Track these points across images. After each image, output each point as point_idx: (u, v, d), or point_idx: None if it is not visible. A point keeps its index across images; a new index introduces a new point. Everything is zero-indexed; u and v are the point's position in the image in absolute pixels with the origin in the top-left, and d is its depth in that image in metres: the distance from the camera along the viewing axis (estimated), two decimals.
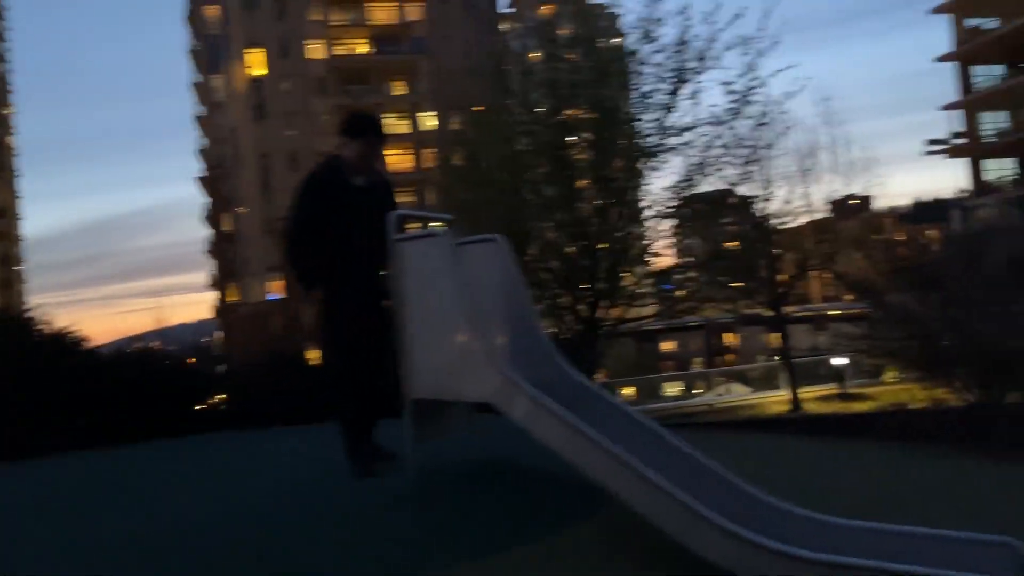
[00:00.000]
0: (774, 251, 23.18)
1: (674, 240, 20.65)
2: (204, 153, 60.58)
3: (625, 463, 3.37)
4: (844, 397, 21.23)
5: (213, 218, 57.96)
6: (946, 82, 39.31)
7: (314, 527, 3.74)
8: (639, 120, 15.04)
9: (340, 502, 4.10)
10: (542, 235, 14.54)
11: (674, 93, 14.99)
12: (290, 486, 4.70)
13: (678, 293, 19.12)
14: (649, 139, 14.87)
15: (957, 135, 39.67)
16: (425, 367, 4.05)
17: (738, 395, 24.76)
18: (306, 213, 4.37)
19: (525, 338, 4.23)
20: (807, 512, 3.49)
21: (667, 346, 60.61)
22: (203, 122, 61.04)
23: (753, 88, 15.47)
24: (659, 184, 15.82)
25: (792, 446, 8.03)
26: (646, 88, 15.09)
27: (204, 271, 61.38)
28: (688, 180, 15.35)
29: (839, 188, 23.82)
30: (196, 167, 62.73)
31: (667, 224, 16.86)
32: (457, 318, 3.90)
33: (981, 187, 38.65)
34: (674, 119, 15.37)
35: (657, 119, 15.03)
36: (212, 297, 58.95)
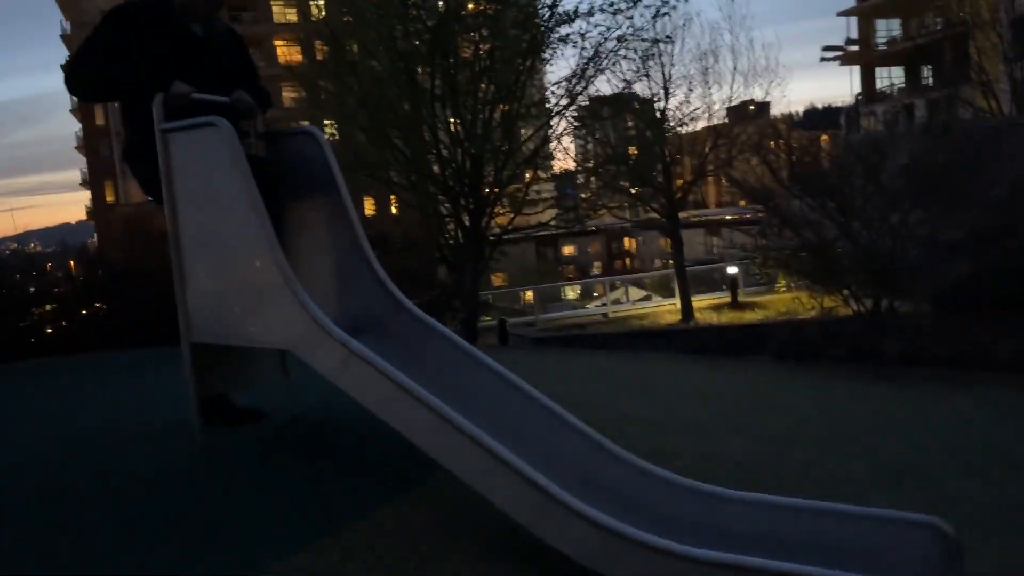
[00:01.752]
0: (671, 155, 22.67)
1: (570, 142, 19.82)
2: (68, 38, 55.21)
3: (462, 432, 2.56)
4: (736, 306, 21.32)
5: (84, 111, 53.38)
6: None
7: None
8: (528, 4, 13.69)
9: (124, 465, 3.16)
10: (419, 135, 13.25)
11: None
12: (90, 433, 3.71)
13: (582, 196, 18.37)
14: (540, 26, 13.56)
15: (851, 42, 39.82)
16: (206, 302, 3.09)
17: (632, 302, 24.65)
18: (97, 67, 3.13)
19: (345, 263, 3.29)
20: (696, 484, 2.79)
21: (568, 250, 60.80)
22: (65, 3, 55.38)
23: None
24: (551, 79, 14.69)
25: (679, 368, 7.51)
26: None
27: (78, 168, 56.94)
28: (582, 75, 14.24)
29: (739, 91, 23.31)
30: (63, 54, 57.17)
31: (561, 125, 15.83)
32: (248, 237, 2.93)
33: (872, 95, 39.18)
34: (567, 4, 14.22)
35: (548, 3, 13.73)
36: (87, 197, 54.93)
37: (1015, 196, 9.25)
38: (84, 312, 10.28)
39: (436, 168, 13.67)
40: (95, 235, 50.87)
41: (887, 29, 39.86)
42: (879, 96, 38.90)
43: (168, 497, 2.88)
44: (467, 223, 13.43)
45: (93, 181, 52.54)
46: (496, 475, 2.54)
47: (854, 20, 39.81)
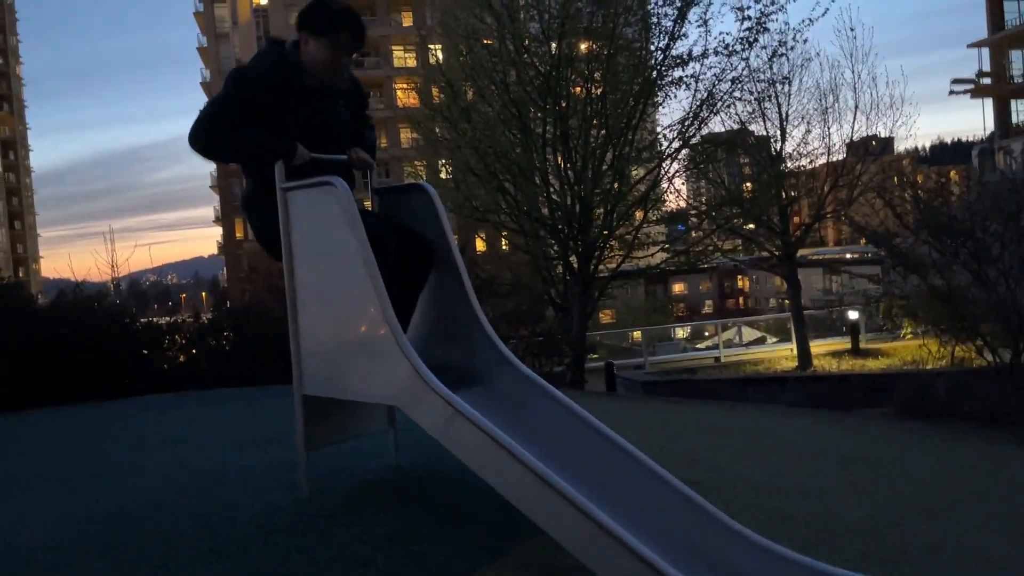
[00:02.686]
0: (787, 196, 22.00)
1: (682, 184, 19.52)
2: (208, 86, 59.16)
3: (565, 498, 2.51)
4: (857, 353, 20.31)
5: None
6: (976, 18, 37.31)
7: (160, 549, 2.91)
8: (641, 48, 13.65)
9: (214, 518, 3.26)
10: (530, 179, 13.35)
11: (681, 18, 13.58)
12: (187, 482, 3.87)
13: (693, 234, 18.01)
14: (652, 69, 13.49)
15: (983, 74, 37.83)
16: (318, 354, 3.17)
17: (746, 344, 23.89)
18: (228, 129, 3.08)
19: (452, 315, 3.32)
20: (812, 562, 2.62)
21: (678, 288, 59.83)
22: (206, 53, 59.44)
23: (769, 14, 13.99)
24: (665, 121, 14.57)
25: (795, 422, 7.18)
26: (650, 10, 13.66)
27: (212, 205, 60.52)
28: (695, 117, 14.03)
29: (861, 128, 22.43)
30: (202, 99, 61.23)
31: (673, 167, 15.64)
32: (359, 292, 2.99)
33: (1007, 129, 36.99)
34: (681, 47, 14.07)
35: (662, 47, 13.67)
36: (218, 233, 58.26)
37: None
38: (212, 343, 10.72)
39: (545, 211, 13.74)
40: (224, 269, 53.80)
41: (1023, 61, 37.69)
42: (1015, 130, 36.68)
43: (270, 547, 2.94)
44: (575, 265, 13.40)
45: (224, 217, 55.70)
46: (599, 544, 2.47)
47: (986, 51, 37.86)
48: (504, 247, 20.25)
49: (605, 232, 13.57)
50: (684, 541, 2.79)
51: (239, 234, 54.07)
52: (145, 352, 9.05)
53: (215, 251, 59.83)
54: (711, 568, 2.63)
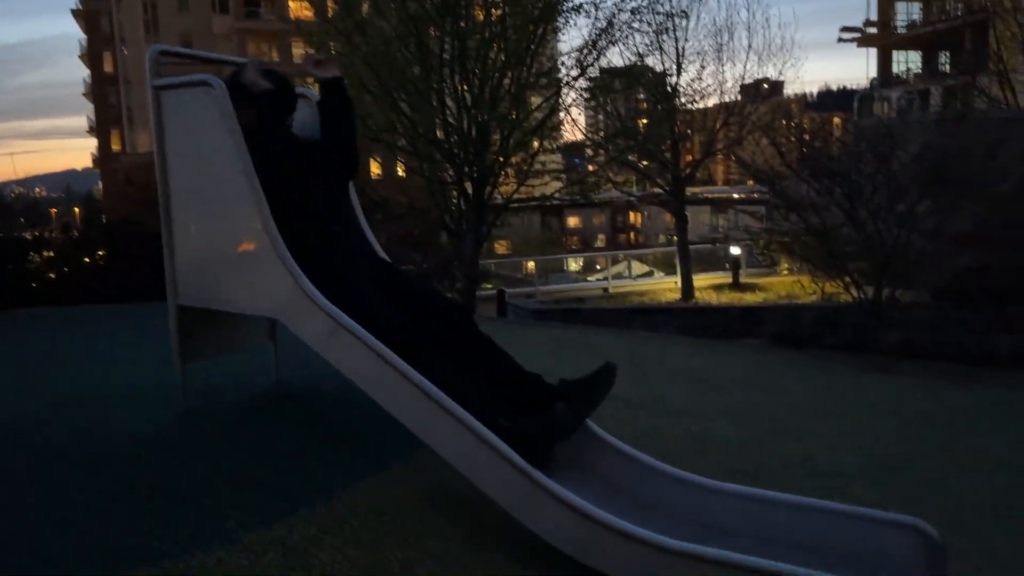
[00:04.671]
0: (680, 132, 22.44)
1: (579, 113, 19.58)
2: None
3: (446, 410, 2.53)
4: (737, 287, 21.25)
5: (93, 57, 52.91)
6: None
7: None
8: None
9: (96, 434, 3.13)
10: (426, 99, 13.05)
11: None
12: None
13: (590, 168, 18.14)
14: None
15: (869, 23, 39.25)
16: (194, 265, 3.04)
17: (634, 277, 24.57)
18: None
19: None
20: (680, 473, 2.75)
21: (572, 222, 60.58)
22: None
23: None
24: (562, 48, 14.46)
25: (675, 349, 7.47)
26: None
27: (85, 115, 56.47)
28: (593, 46, 14.00)
29: (753, 69, 23.02)
30: None
31: (571, 96, 15.61)
32: (238, 201, 2.86)
33: (888, 79, 38.72)
34: None
35: None
36: (93, 144, 54.64)
37: (1023, 191, 9.16)
38: (86, 260, 10.19)
39: (441, 134, 13.51)
40: (100, 183, 50.80)
41: (907, 13, 39.27)
42: (895, 80, 38.45)
43: (147, 462, 2.86)
44: (470, 191, 13.31)
45: (100, 128, 52.28)
46: (480, 456, 2.51)
47: (874, 1, 39.24)
48: (400, 172, 19.91)
49: (501, 159, 13.51)
50: (562, 453, 2.88)
51: (116, 146, 50.97)
52: (10, 267, 8.49)
53: (89, 164, 56.25)
54: (584, 475, 2.72)
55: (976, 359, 8.46)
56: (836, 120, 30.84)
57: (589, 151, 19.92)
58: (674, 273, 23.12)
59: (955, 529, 3.28)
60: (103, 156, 51.55)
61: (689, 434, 4.13)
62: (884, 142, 9.50)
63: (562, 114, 16.03)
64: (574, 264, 32.69)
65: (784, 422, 4.67)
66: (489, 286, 22.09)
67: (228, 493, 2.65)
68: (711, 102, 23.62)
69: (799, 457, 3.96)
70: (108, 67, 52.02)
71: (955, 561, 2.83)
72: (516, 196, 14.65)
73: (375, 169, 24.75)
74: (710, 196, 38.59)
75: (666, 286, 22.95)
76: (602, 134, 21.78)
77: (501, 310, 14.87)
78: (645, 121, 22.80)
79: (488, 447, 2.47)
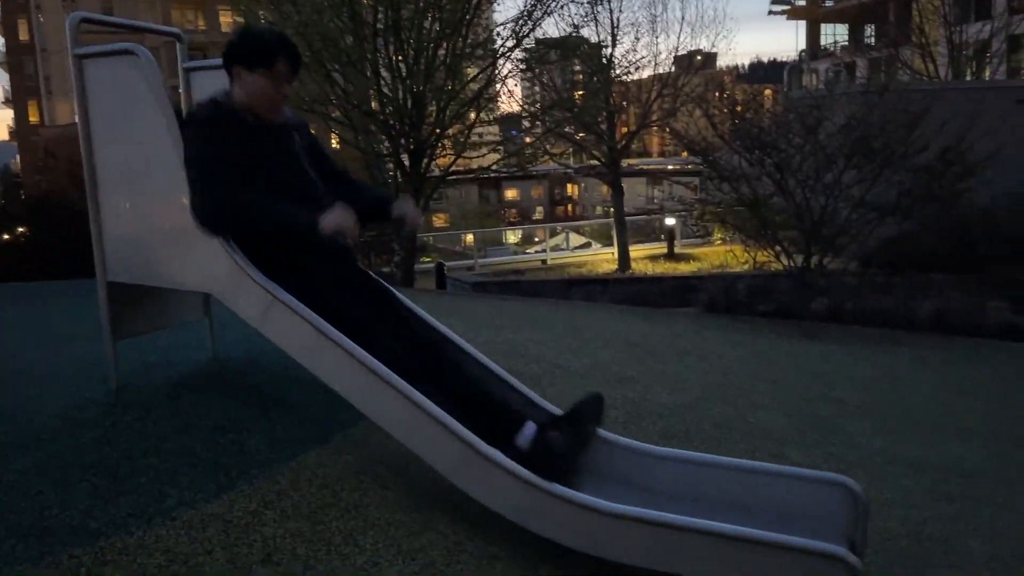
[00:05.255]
0: (615, 103, 22.57)
1: (515, 85, 19.51)
2: None
3: (388, 383, 2.53)
4: (672, 257, 21.61)
5: (7, 26, 50.39)
6: None
7: None
8: None
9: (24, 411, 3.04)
10: (360, 70, 12.84)
11: None
12: None
13: (527, 140, 18.13)
14: None
15: None
16: (123, 240, 2.96)
17: (572, 249, 24.77)
18: (224, 177, 2.60)
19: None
20: (618, 438, 2.82)
21: (510, 194, 60.54)
22: None
23: None
24: (498, 19, 14.36)
25: (613, 318, 7.58)
26: None
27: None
28: (528, 16, 13.94)
29: (686, 40, 23.27)
30: None
31: (507, 67, 15.54)
32: (170, 176, 2.79)
33: (816, 51, 39.56)
34: None
35: None
36: (9, 116, 52.21)
37: (942, 161, 9.50)
38: (6, 237, 9.80)
39: (376, 106, 13.31)
40: (17, 156, 48.65)
41: None
42: (823, 53, 39.29)
43: (80, 440, 2.80)
44: (407, 163, 13.18)
45: (16, 100, 49.97)
46: (420, 427, 2.52)
47: None
48: (335, 144, 19.58)
49: (437, 130, 13.40)
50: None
51: (33, 118, 48.82)
52: None
53: (5, 136, 53.75)
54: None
55: (898, 323, 8.80)
56: (767, 92, 31.39)
57: (526, 123, 19.91)
58: (611, 244, 23.38)
59: (880, 484, 3.44)
60: (20, 128, 49.34)
61: (627, 401, 4.22)
62: (811, 114, 9.71)
63: (498, 85, 15.97)
64: (513, 237, 32.79)
65: (718, 387, 4.80)
66: (428, 259, 22.00)
67: (165, 469, 2.62)
68: (646, 74, 23.82)
69: (733, 420, 4.09)
70: (23, 36, 49.66)
71: (880, 514, 2.98)
72: (454, 168, 14.56)
73: None
74: (646, 168, 39.02)
75: (603, 257, 23.20)
76: (538, 106, 21.78)
77: (440, 283, 14.82)
78: (581, 93, 22.84)
79: (429, 418, 2.49)
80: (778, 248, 10.22)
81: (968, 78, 25.76)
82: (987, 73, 27.23)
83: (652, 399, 4.30)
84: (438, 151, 13.95)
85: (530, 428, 2.56)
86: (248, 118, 2.71)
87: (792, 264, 9.95)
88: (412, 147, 13.05)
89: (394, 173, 13.67)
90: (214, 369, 3.61)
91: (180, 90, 3.34)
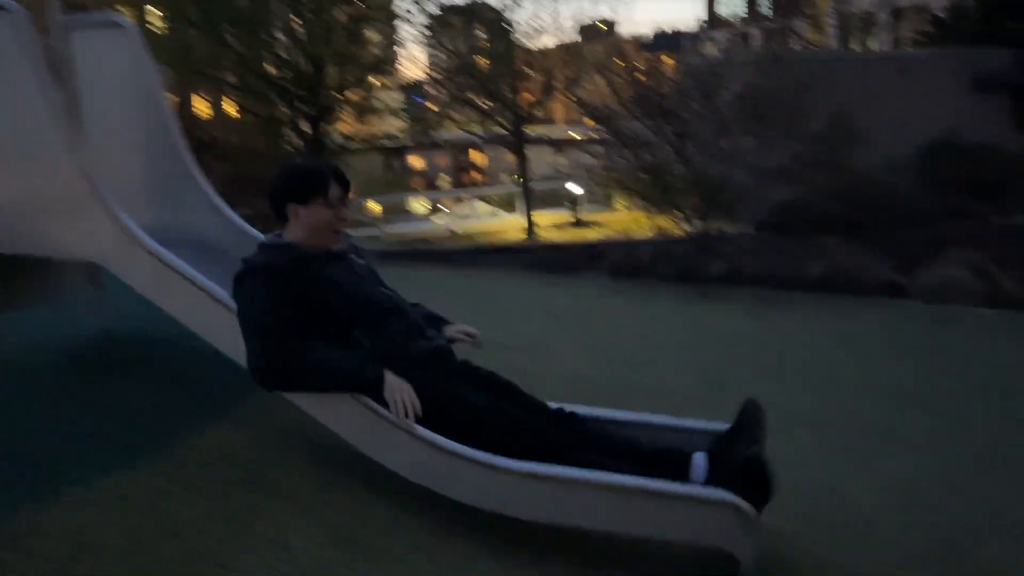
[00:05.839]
0: (520, 71, 22.54)
1: (418, 51, 19.24)
2: None
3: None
4: (578, 224, 21.91)
5: None
6: None
7: None
8: None
9: None
10: (256, 33, 12.38)
11: None
12: None
13: (432, 107, 17.90)
14: None
15: None
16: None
17: (479, 217, 24.80)
18: (284, 333, 2.46)
19: (161, 170, 3.06)
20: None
21: (415, 162, 59.85)
22: None
23: None
24: None
25: (519, 285, 7.65)
26: None
27: None
28: None
29: (587, 8, 23.40)
30: None
31: (411, 32, 15.29)
32: (48, 141, 2.64)
33: (716, 21, 40.47)
34: None
35: None
36: None
37: (832, 128, 9.93)
38: None
39: (274, 70, 12.89)
40: None
41: None
42: (722, 23, 40.22)
43: None
44: (307, 129, 12.85)
45: None
46: (324, 393, 2.49)
47: None
48: (232, 111, 18.89)
49: (338, 96, 13.08)
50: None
51: None
52: None
53: None
54: None
55: (791, 284, 9.21)
56: (668, 61, 31.93)
57: (431, 90, 19.69)
58: (518, 212, 23.50)
59: (778, 438, 3.60)
60: None
61: (535, 365, 4.26)
62: (709, 81, 9.99)
63: (401, 51, 15.72)
64: (419, 206, 32.51)
65: (621, 349, 4.92)
66: None
67: (62, 448, 2.50)
68: (549, 42, 23.84)
69: (635, 381, 4.20)
70: None
71: (779, 467, 3.12)
72: (355, 135, 14.28)
73: (205, 109, 23.35)
74: (551, 136, 39.22)
75: (511, 225, 23.32)
76: (443, 72, 21.55)
77: None
78: (487, 62, 22.72)
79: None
80: (678, 213, 10.50)
81: (856, 48, 26.87)
82: (873, 44, 28.47)
83: (559, 363, 4.37)
84: (340, 117, 13.64)
85: (699, 459, 2.40)
86: (311, 252, 2.57)
87: (692, 229, 10.25)
88: (312, 113, 12.71)
89: (294, 138, 13.29)
90: (106, 344, 3.47)
91: (56, 48, 3.15)
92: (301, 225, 2.58)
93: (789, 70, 10.42)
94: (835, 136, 10.06)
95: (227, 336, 2.55)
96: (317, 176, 2.62)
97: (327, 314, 2.51)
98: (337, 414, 2.50)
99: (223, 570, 2.06)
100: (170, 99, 19.90)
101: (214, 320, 2.54)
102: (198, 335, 2.62)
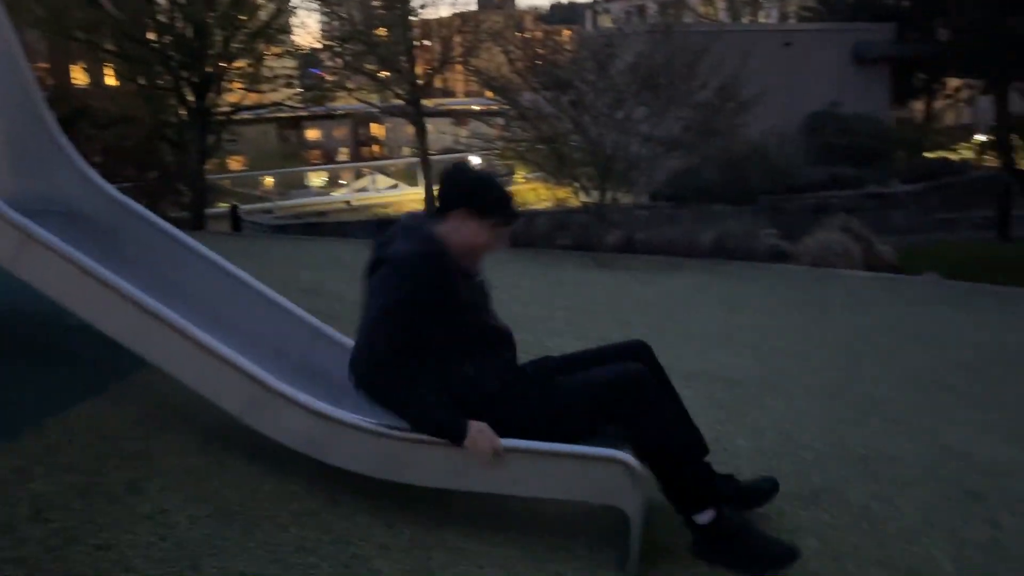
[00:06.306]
0: (416, 39, 22.20)
1: (308, 17, 18.70)
2: None
3: (164, 321, 2.38)
4: None
5: None
6: None
7: None
8: None
9: None
10: None
11: None
12: None
13: (327, 77, 17.38)
14: None
15: None
16: None
17: (379, 190, 24.44)
18: (397, 357, 2.30)
19: (20, 135, 2.86)
20: None
21: (312, 135, 58.42)
22: None
23: None
24: None
25: None
26: None
27: None
28: None
29: None
30: None
31: None
32: None
33: None
34: None
35: None
36: None
37: (720, 98, 10.20)
38: None
39: (153, 35, 12.23)
40: None
41: None
42: None
43: None
44: (191, 99, 12.29)
45: None
46: (206, 367, 2.41)
47: None
48: (111, 79, 17.88)
49: (223, 63, 12.55)
50: (300, 359, 2.85)
51: None
52: None
53: None
54: (323, 378, 2.72)
55: (683, 251, 9.49)
56: (567, 32, 32.09)
57: (327, 61, 19.14)
58: (418, 185, 23.28)
59: None
60: None
61: None
62: (603, 51, 10.08)
63: (292, 18, 15.18)
64: (316, 179, 31.79)
65: (518, 316, 4.94)
66: (224, 205, 20.85)
67: None
68: (446, 11, 23.55)
69: (531, 346, 4.23)
70: None
71: None
72: (245, 104, 13.75)
73: (83, 78, 22.06)
74: (451, 108, 38.91)
75: (411, 197, 23.11)
76: (336, 40, 20.99)
77: (235, 226, 14.08)
78: (384, 31, 22.23)
79: (214, 357, 2.38)
80: (576, 184, 10.61)
81: (745, 21, 27.67)
82: (761, 17, 29.38)
83: None
84: (229, 86, 13.10)
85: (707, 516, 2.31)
86: (458, 264, 2.41)
87: (589, 199, 10.38)
88: (196, 81, 12.16)
89: (178, 108, 12.68)
90: None
91: None
92: (460, 233, 2.39)
93: (679, 41, 10.60)
94: (723, 105, 10.34)
95: (97, 307, 2.42)
96: (509, 202, 2.47)
97: (448, 329, 2.39)
98: (221, 388, 2.42)
99: (100, 550, 1.98)
100: (41, 66, 18.64)
101: (82, 290, 2.40)
102: (67, 309, 2.47)
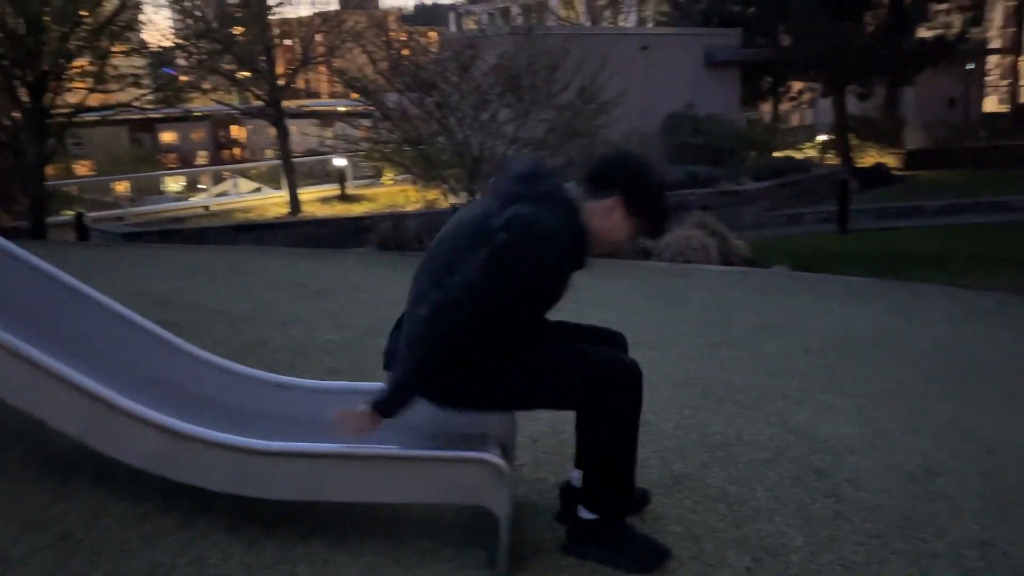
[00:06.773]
0: (275, 39, 21.59)
1: (156, 14, 17.79)
2: None
3: None
4: (345, 199, 21.49)
5: None
6: None
7: None
8: None
9: None
10: None
11: None
12: None
13: (181, 78, 16.56)
14: None
15: None
16: None
17: (241, 194, 23.56)
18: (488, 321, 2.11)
19: None
20: (258, 373, 2.74)
21: (168, 138, 55.73)
22: None
23: None
24: None
25: (280, 261, 7.37)
26: None
27: None
28: None
29: None
30: None
31: None
32: None
33: None
34: None
35: None
36: None
37: (581, 100, 10.44)
38: None
39: None
40: None
41: None
42: None
43: None
44: (26, 99, 11.42)
45: None
46: (39, 386, 2.23)
47: None
48: None
49: (61, 61, 11.73)
50: (150, 375, 2.69)
51: None
52: None
53: None
54: (177, 394, 2.58)
55: None
56: (432, 34, 32.06)
57: (181, 61, 18.29)
58: (280, 188, 22.65)
59: None
60: None
61: (294, 341, 4.15)
62: (466, 53, 10.11)
63: (137, 14, 14.37)
64: (174, 184, 30.29)
65: (385, 321, 4.86)
66: (70, 213, 19.56)
67: None
68: (305, 11, 23.00)
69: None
70: None
71: (529, 421, 3.25)
72: (89, 104, 12.90)
73: None
74: (316, 109, 38.04)
75: (274, 201, 22.44)
76: (187, 39, 20.10)
77: (82, 235, 13.22)
78: (240, 30, 21.46)
79: (49, 375, 2.21)
80: (445, 186, 10.60)
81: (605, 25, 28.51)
82: (620, 21, 30.35)
83: (319, 336, 4.27)
84: (66, 85, 12.26)
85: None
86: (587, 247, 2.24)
87: (458, 201, 10.38)
88: (30, 80, 11.32)
89: (11, 108, 11.74)
90: None
91: None
92: (603, 220, 2.22)
93: (541, 44, 10.77)
94: (584, 107, 10.58)
95: None
96: (666, 213, 2.32)
97: (532, 310, 2.29)
98: (58, 408, 2.24)
99: None
100: None
101: None
102: None
